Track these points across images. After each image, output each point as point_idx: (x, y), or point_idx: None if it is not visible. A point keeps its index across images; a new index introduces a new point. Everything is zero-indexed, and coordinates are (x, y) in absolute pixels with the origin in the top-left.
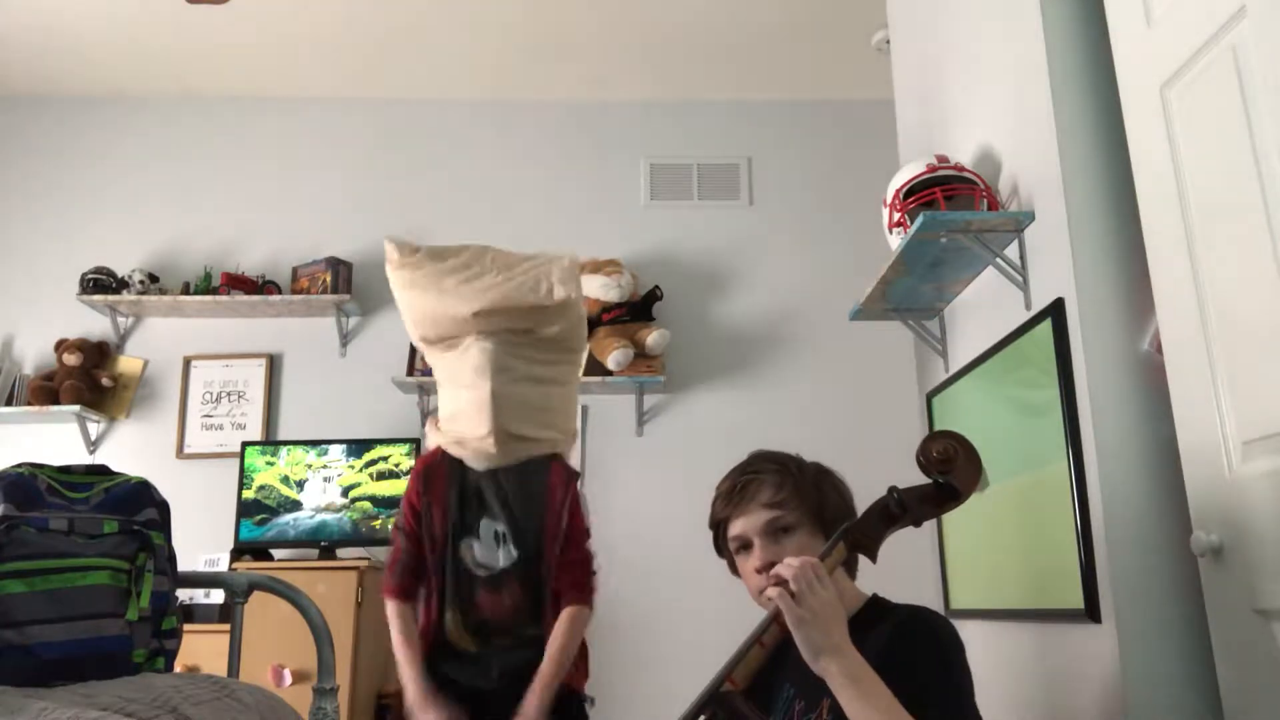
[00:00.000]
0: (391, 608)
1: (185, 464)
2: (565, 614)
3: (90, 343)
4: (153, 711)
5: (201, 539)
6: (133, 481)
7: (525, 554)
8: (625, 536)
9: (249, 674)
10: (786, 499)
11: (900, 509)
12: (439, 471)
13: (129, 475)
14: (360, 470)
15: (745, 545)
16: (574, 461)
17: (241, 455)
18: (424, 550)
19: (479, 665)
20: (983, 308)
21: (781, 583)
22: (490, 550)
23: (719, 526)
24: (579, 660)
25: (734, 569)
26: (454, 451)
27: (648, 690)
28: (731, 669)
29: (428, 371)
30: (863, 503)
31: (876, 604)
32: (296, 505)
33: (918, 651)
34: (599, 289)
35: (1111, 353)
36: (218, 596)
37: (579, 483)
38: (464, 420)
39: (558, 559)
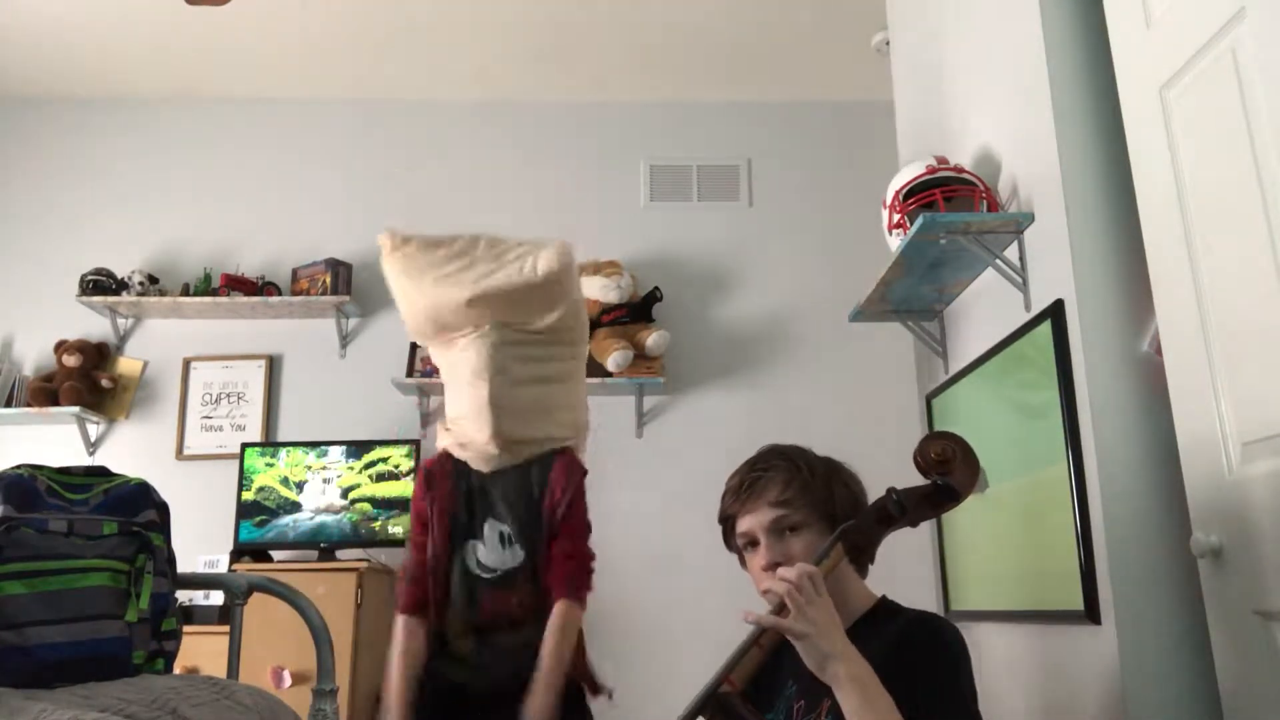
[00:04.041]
0: (399, 621)
1: (185, 465)
2: (555, 611)
3: (90, 344)
4: (152, 713)
5: (201, 540)
6: (132, 483)
7: (531, 553)
8: (625, 538)
9: (248, 675)
10: (793, 497)
11: (899, 510)
12: (441, 475)
13: (128, 477)
14: (360, 472)
15: (752, 542)
16: (586, 456)
17: (241, 456)
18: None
19: (478, 668)
20: (982, 309)
21: (775, 598)
22: (496, 551)
23: (727, 522)
24: (577, 654)
25: (744, 563)
26: (458, 454)
27: (646, 691)
28: (729, 670)
29: (427, 373)
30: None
31: (885, 606)
32: (296, 507)
33: (924, 656)
34: (599, 290)
35: (1111, 354)
36: (217, 598)
37: (585, 479)
38: (466, 423)
39: (551, 552)
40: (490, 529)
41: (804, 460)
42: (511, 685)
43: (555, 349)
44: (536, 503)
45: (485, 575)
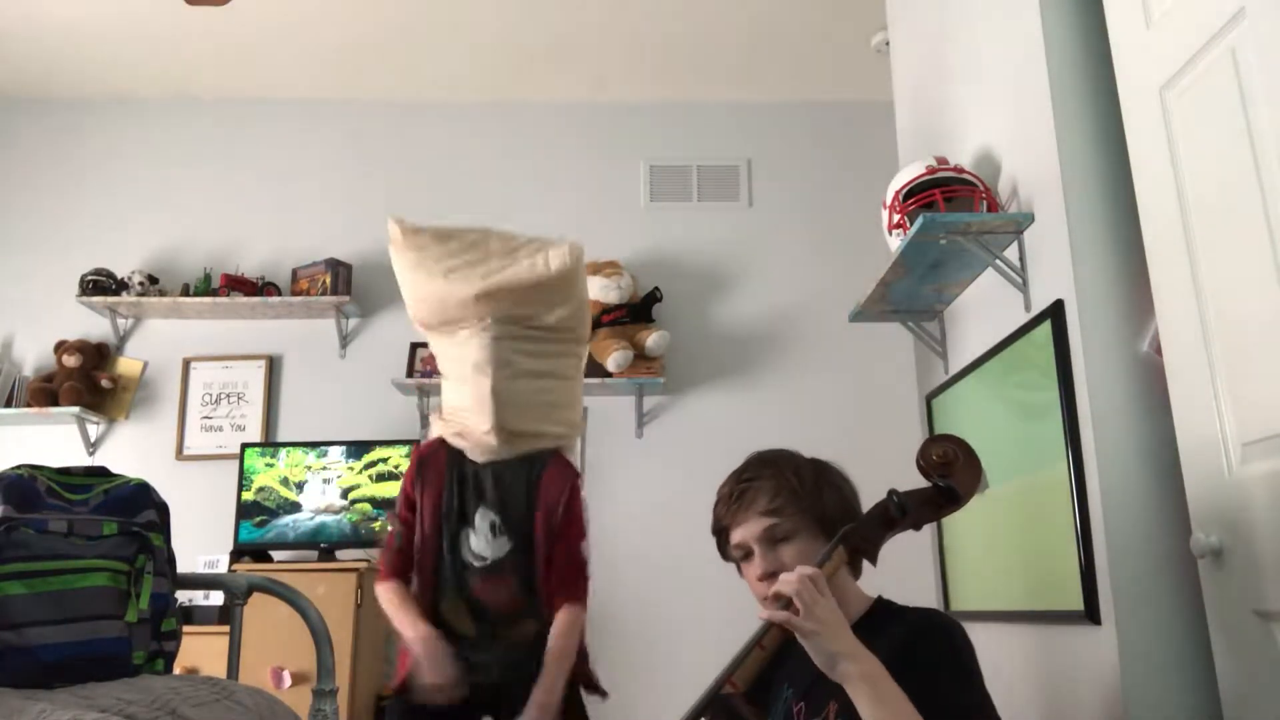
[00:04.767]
0: (385, 587)
1: (184, 465)
2: (559, 615)
3: (90, 344)
4: (152, 713)
5: (201, 541)
6: (132, 483)
7: (517, 545)
8: (625, 538)
9: (248, 676)
10: (783, 505)
11: (900, 512)
12: (435, 462)
13: (128, 477)
14: (359, 472)
15: (747, 553)
16: (574, 457)
17: (241, 457)
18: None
19: (480, 663)
20: (982, 309)
21: (782, 599)
22: (486, 540)
23: (721, 534)
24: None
25: (741, 572)
26: (455, 443)
27: (648, 692)
28: (732, 671)
29: (427, 373)
30: (863, 504)
31: (883, 606)
32: (296, 507)
33: (933, 655)
34: (599, 290)
35: (1111, 354)
36: (217, 598)
37: (580, 482)
38: (466, 414)
39: (548, 556)
40: (482, 518)
41: (790, 466)
42: (517, 677)
43: (558, 346)
44: (525, 497)
45: (476, 564)
